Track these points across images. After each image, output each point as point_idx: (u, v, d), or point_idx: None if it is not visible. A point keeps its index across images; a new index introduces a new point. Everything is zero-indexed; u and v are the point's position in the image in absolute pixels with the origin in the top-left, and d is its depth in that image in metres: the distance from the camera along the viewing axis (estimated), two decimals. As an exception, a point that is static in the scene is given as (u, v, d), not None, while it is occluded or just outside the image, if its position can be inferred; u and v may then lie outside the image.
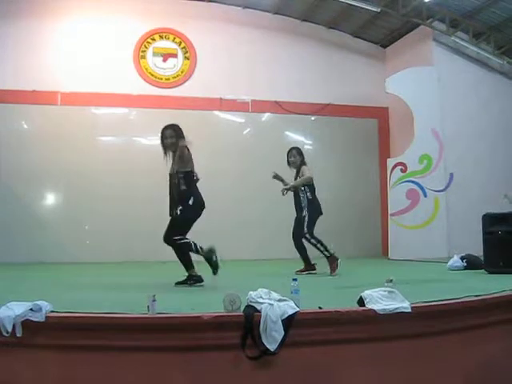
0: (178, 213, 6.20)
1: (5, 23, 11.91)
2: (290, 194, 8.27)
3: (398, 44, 13.83)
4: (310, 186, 8.17)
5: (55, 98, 11.96)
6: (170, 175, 6.31)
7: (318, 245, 7.79)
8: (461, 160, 12.27)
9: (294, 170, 8.38)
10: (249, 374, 3.45)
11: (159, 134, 6.40)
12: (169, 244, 6.30)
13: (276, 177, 8.40)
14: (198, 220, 11.40)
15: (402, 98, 12.28)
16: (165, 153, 6.40)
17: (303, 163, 8.35)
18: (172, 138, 6.29)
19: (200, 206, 6.34)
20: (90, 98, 12.02)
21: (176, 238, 6.20)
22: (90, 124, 12.11)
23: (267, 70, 13.23)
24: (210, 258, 6.30)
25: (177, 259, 6.35)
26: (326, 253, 7.74)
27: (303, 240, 8.11)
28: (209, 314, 3.46)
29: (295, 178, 8.28)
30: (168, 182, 6.36)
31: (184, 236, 6.23)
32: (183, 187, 6.23)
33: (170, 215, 6.32)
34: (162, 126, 6.41)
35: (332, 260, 7.68)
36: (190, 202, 6.23)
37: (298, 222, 8.23)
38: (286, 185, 8.22)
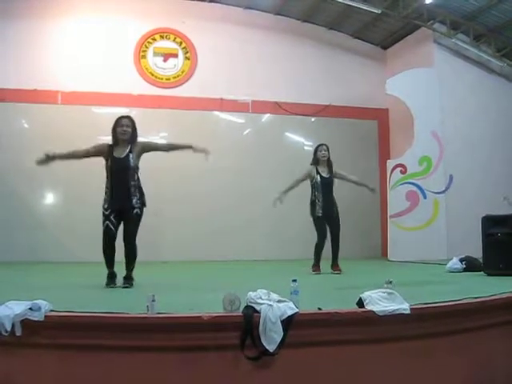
0: (140, 211, 6.07)
1: (6, 22, 11.91)
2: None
3: (398, 46, 13.84)
4: (312, 186, 8.38)
5: (56, 97, 11.97)
6: (127, 167, 6.07)
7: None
8: (460, 162, 12.27)
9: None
10: (248, 374, 3.44)
11: (117, 122, 6.24)
12: (131, 244, 6.07)
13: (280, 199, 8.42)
14: (198, 221, 11.57)
15: (402, 99, 12.28)
16: (116, 142, 6.19)
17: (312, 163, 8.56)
18: (129, 127, 6.17)
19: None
20: (91, 97, 12.02)
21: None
22: (91, 123, 12.06)
23: (268, 71, 13.23)
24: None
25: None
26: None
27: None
28: (208, 315, 3.46)
29: None
30: (117, 170, 6.08)
31: None
32: (139, 183, 6.13)
33: (127, 209, 6.04)
34: (120, 116, 6.35)
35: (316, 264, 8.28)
36: (145, 200, 6.17)
37: None
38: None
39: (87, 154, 6.39)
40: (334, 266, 8.25)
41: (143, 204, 6.13)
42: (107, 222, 6.01)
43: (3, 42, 11.83)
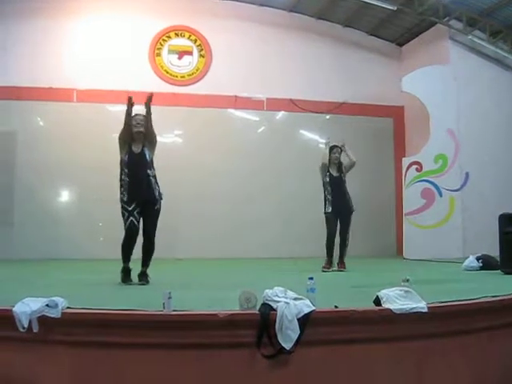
0: (160, 204, 6.19)
1: (21, 21, 11.99)
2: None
3: (414, 42, 13.75)
4: (322, 184, 8.69)
5: (71, 95, 12.02)
6: (144, 161, 6.21)
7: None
8: (476, 159, 12.17)
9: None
10: (264, 372, 3.43)
11: (137, 120, 6.32)
12: (152, 239, 6.19)
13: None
14: (213, 219, 11.47)
15: (418, 96, 12.22)
16: (133, 138, 6.28)
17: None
18: (142, 126, 6.32)
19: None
20: (106, 95, 12.05)
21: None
22: (105, 121, 12.09)
23: (282, 68, 13.21)
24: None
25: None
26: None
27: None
28: (224, 312, 3.45)
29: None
30: (136, 164, 6.20)
31: None
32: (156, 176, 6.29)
33: (150, 202, 6.14)
34: (138, 114, 6.40)
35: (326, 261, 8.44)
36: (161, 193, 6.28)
37: None
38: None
39: (129, 122, 6.35)
40: (340, 262, 8.41)
41: (161, 197, 6.23)
42: (131, 218, 6.04)
43: (18, 41, 11.90)
